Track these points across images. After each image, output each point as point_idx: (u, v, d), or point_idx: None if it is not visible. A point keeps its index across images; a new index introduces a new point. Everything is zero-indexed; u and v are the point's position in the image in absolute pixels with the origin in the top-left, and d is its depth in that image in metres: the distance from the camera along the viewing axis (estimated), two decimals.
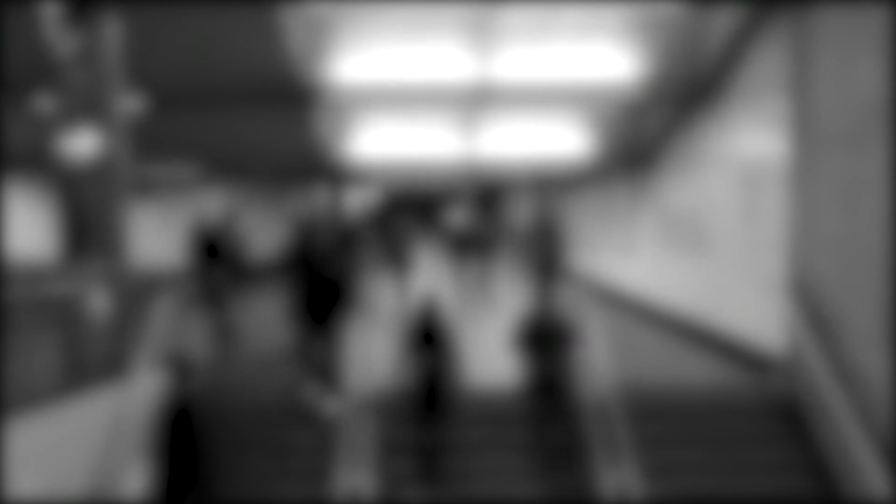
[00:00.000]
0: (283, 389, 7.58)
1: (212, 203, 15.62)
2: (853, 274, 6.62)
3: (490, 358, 8.49)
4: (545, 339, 6.86)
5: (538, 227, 10.51)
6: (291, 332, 7.62)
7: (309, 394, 7.34)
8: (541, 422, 6.95)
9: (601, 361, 7.36)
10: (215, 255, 8.73)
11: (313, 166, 15.41)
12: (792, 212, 7.59)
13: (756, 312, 8.36)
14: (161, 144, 12.13)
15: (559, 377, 6.87)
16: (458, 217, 15.36)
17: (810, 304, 7.25)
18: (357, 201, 22.86)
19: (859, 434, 6.37)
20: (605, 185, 15.28)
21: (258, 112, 10.29)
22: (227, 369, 8.27)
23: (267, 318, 9.98)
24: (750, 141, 8.57)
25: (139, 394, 6.51)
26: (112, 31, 6.92)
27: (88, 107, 6.79)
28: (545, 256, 10.18)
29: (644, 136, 11.57)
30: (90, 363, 6.33)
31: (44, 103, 8.72)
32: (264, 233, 19.37)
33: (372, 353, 7.76)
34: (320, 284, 7.45)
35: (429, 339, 6.66)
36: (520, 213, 23.07)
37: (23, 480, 5.19)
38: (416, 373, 6.60)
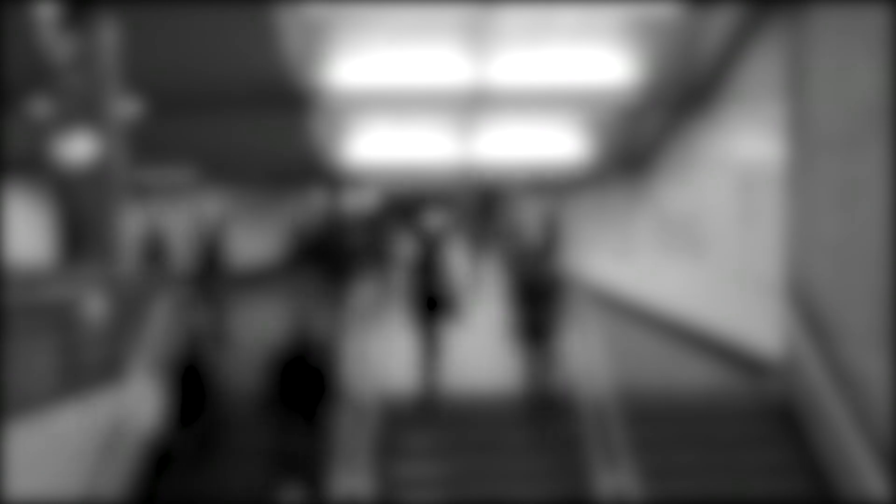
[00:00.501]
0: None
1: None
2: (850, 277, 6.62)
3: (485, 357, 8.48)
4: (536, 292, 7.47)
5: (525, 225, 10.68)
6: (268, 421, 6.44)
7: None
8: (530, 366, 7.41)
9: (598, 364, 7.36)
10: (157, 260, 8.63)
11: (310, 170, 15.41)
12: (789, 215, 7.60)
13: (753, 315, 8.37)
14: (158, 148, 12.11)
15: (547, 322, 7.40)
16: (433, 220, 15.91)
17: (807, 307, 7.26)
18: (352, 205, 22.85)
19: (856, 436, 6.37)
20: (602, 189, 15.29)
21: (255, 116, 10.29)
22: (220, 372, 8.23)
23: (261, 323, 9.95)
24: (746, 144, 8.59)
25: (135, 397, 6.50)
26: (108, 35, 6.92)
27: (85, 110, 6.77)
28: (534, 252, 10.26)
29: (641, 140, 11.59)
30: (87, 367, 6.30)
31: (40, 107, 8.70)
32: (261, 237, 19.32)
33: (368, 353, 7.74)
34: (302, 371, 6.30)
35: (429, 268, 8.12)
36: (513, 215, 23.30)
37: (21, 484, 5.17)
38: (418, 288, 7.81)
